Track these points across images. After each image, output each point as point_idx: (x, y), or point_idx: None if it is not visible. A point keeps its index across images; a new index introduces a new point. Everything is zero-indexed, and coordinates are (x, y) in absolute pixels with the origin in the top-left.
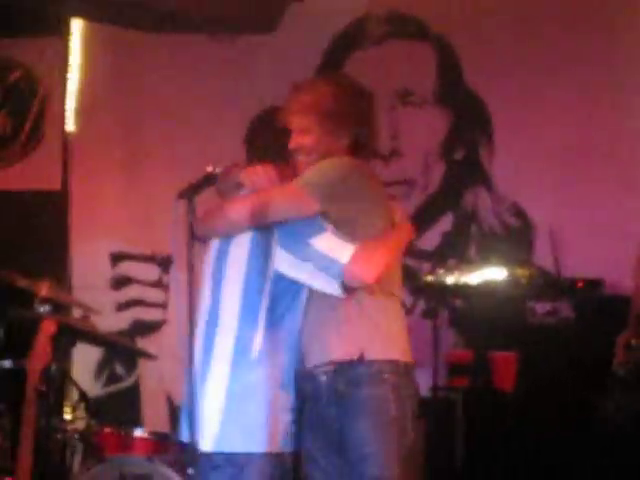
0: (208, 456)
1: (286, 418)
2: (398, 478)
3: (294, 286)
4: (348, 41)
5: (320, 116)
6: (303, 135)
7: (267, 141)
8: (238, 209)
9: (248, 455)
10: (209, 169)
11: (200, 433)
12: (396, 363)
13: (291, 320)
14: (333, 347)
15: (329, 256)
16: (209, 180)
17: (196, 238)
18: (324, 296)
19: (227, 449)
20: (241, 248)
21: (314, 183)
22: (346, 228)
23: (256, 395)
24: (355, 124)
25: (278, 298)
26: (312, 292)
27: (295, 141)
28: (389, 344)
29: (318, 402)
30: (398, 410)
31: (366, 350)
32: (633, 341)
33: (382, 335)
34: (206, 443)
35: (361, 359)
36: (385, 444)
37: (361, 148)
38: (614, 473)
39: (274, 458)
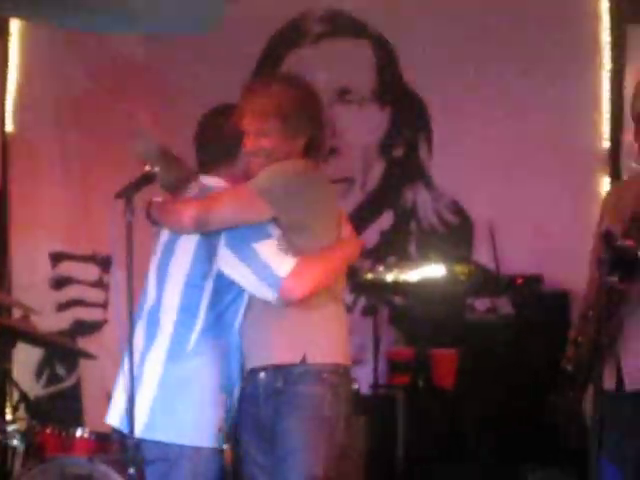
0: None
1: (218, 414)
2: (324, 477)
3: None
4: (285, 40)
5: (280, 120)
6: (261, 138)
7: (216, 140)
8: (186, 213)
9: (180, 447)
10: (147, 168)
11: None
12: (337, 365)
13: (233, 317)
14: (275, 351)
15: (268, 264)
16: (147, 179)
17: (151, 221)
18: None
19: (155, 437)
20: (186, 248)
21: (266, 188)
22: (295, 235)
23: (188, 388)
24: (311, 126)
25: (220, 294)
26: None
27: (253, 144)
28: (331, 348)
29: (256, 400)
30: (332, 410)
31: (308, 354)
32: (580, 338)
33: (325, 339)
34: (136, 430)
35: (303, 362)
36: (313, 442)
37: (315, 149)
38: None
39: (208, 453)
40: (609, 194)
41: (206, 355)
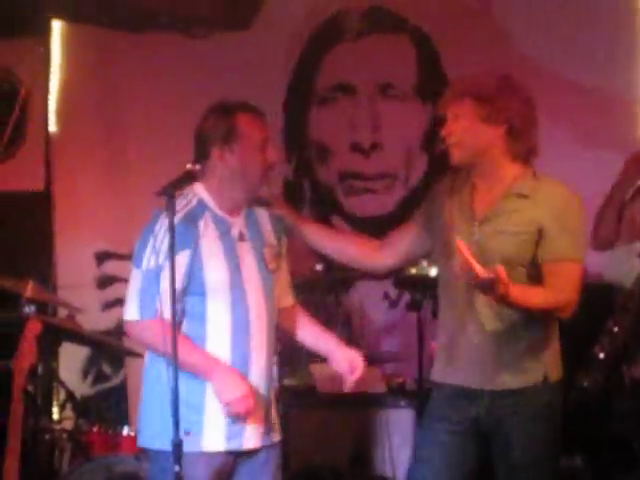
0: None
1: (188, 415)
2: None
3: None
4: (326, 37)
5: (474, 100)
6: (454, 121)
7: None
8: (571, 305)
9: (156, 453)
10: (189, 166)
11: None
12: None
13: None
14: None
15: None
16: (189, 177)
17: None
18: None
19: (144, 445)
20: None
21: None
22: None
23: (151, 388)
24: (511, 112)
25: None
26: None
27: (446, 128)
28: None
29: None
30: None
31: None
32: (616, 328)
33: None
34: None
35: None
36: None
37: (517, 139)
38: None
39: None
40: None
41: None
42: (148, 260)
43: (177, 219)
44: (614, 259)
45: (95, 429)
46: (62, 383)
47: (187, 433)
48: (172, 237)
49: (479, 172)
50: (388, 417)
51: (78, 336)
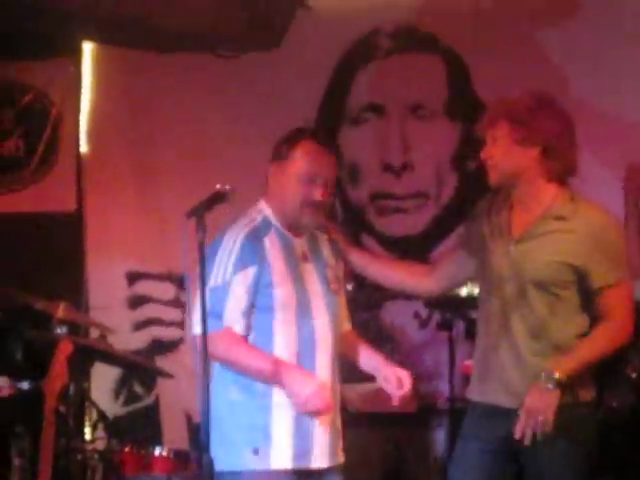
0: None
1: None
2: None
3: None
4: (357, 56)
5: (510, 123)
6: (493, 144)
7: None
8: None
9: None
10: (218, 187)
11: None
12: None
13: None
14: None
15: None
16: (218, 198)
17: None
18: None
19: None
20: None
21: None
22: None
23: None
24: (546, 133)
25: None
26: None
27: (485, 151)
28: None
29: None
30: None
31: None
32: None
33: None
34: None
35: None
36: None
37: (553, 159)
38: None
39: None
40: None
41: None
42: (215, 277)
43: (242, 235)
44: None
45: (127, 449)
46: (94, 403)
47: (255, 451)
48: (202, 258)
49: (516, 193)
50: (420, 436)
51: (110, 356)
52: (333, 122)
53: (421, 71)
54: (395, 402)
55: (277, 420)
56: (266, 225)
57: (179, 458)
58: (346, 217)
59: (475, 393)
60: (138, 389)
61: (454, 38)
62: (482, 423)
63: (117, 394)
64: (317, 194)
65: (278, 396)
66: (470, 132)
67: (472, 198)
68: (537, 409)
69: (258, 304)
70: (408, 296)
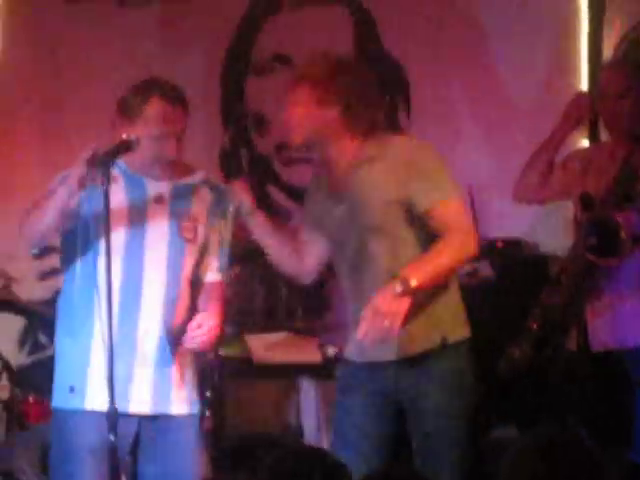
0: None
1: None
2: None
3: None
4: (263, 7)
5: (310, 84)
6: (294, 106)
7: None
8: (473, 244)
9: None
10: (124, 136)
11: None
12: None
13: None
14: None
15: None
16: (123, 147)
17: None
18: None
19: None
20: None
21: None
22: None
23: None
24: (345, 92)
25: None
26: None
27: (285, 113)
28: None
29: None
30: None
31: None
32: (548, 301)
33: None
34: None
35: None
36: None
37: (356, 118)
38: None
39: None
40: (587, 151)
41: None
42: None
43: None
44: (547, 223)
45: (31, 399)
46: None
47: (72, 390)
48: (107, 205)
49: (325, 153)
50: (323, 387)
51: (14, 306)
52: (240, 72)
53: (328, 23)
54: (185, 343)
55: (95, 360)
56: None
57: None
58: (252, 167)
59: (353, 354)
60: (43, 339)
61: None
62: (360, 377)
63: (22, 344)
64: (169, 151)
65: (98, 338)
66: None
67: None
68: (384, 311)
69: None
70: None
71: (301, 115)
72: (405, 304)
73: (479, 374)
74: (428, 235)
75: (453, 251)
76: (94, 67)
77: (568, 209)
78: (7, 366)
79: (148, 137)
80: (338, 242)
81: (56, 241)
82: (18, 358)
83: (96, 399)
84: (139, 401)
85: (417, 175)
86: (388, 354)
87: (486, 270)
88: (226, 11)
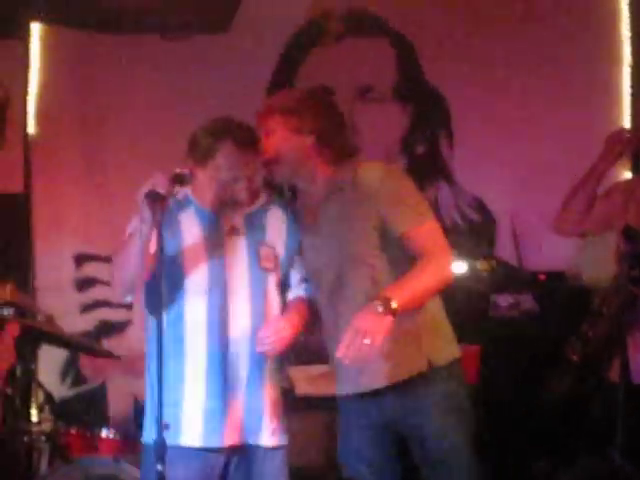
0: None
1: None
2: None
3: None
4: (306, 39)
5: (282, 114)
6: (268, 137)
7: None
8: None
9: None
10: (177, 170)
11: None
12: None
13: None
14: None
15: None
16: (177, 181)
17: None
18: None
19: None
20: None
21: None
22: None
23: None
24: (318, 120)
25: None
26: None
27: (264, 147)
28: None
29: None
30: None
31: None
32: (590, 332)
33: None
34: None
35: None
36: None
37: (329, 145)
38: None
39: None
40: (630, 183)
41: None
42: None
43: None
44: (589, 255)
45: (73, 431)
46: (41, 385)
47: (166, 427)
48: (160, 239)
49: (300, 184)
50: None
51: (57, 338)
52: None
53: (370, 54)
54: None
55: (188, 396)
56: (185, 202)
57: (125, 439)
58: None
59: (342, 389)
60: (85, 371)
61: (403, 22)
62: (358, 410)
63: (64, 376)
64: (240, 193)
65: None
66: (419, 116)
67: (420, 181)
68: (365, 329)
69: (169, 274)
70: None
71: (278, 142)
72: (387, 323)
73: (520, 408)
74: (403, 259)
75: (431, 273)
76: (135, 99)
77: (612, 240)
78: (49, 398)
79: (219, 180)
80: (316, 273)
81: (98, 272)
82: (60, 390)
83: (188, 435)
84: (231, 435)
85: (389, 200)
86: (376, 381)
87: (529, 303)
88: (268, 42)
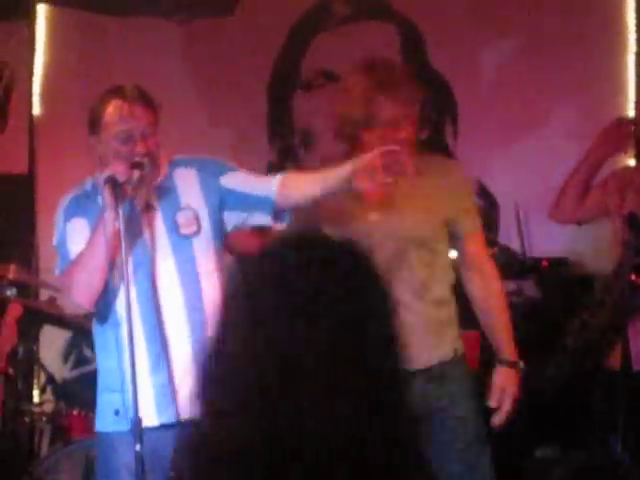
0: None
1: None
2: None
3: None
4: (312, 23)
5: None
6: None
7: None
8: None
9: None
10: (137, 158)
11: None
12: None
13: None
14: None
15: None
16: (136, 167)
17: None
18: None
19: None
20: None
21: None
22: None
23: None
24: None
25: None
26: None
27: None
28: None
29: None
30: None
31: None
32: (590, 320)
33: None
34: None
35: None
36: None
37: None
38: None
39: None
40: (627, 171)
41: None
42: (54, 238)
43: (69, 197)
44: (593, 243)
45: (75, 412)
46: (43, 366)
47: (116, 413)
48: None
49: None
50: None
51: (59, 319)
52: (287, 88)
53: (376, 39)
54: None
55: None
56: (96, 189)
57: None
58: None
59: None
60: (87, 352)
61: (409, 6)
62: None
63: (66, 357)
64: (138, 149)
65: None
66: (423, 102)
67: None
68: (508, 388)
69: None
70: None
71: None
72: (517, 375)
73: (523, 393)
74: (445, 251)
75: (504, 300)
76: (139, 81)
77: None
78: (52, 379)
79: (113, 139)
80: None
81: None
82: (62, 372)
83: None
84: (186, 407)
85: (467, 199)
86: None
87: (531, 289)
88: (273, 26)
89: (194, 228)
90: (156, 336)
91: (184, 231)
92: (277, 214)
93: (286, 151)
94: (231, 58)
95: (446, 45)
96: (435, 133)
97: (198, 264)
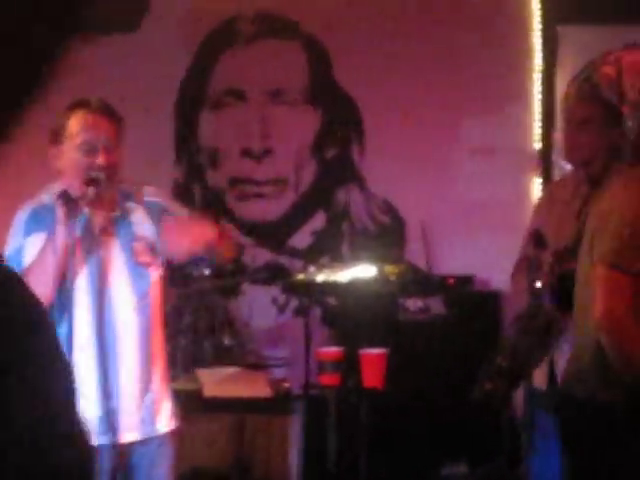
0: None
1: None
2: None
3: None
4: (218, 41)
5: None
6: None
7: None
8: None
9: None
10: (92, 174)
11: None
12: None
13: None
14: None
15: None
16: (90, 183)
17: None
18: None
19: None
20: None
21: None
22: None
23: None
24: None
25: None
26: None
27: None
28: None
29: None
30: None
31: None
32: (520, 339)
33: None
34: None
35: None
36: None
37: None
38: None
39: None
40: (542, 196)
41: None
42: (8, 247)
43: (28, 209)
44: (499, 260)
45: None
46: None
47: None
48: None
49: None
50: (274, 422)
51: None
52: (194, 106)
53: (282, 57)
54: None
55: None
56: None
57: None
58: (205, 202)
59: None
60: None
61: (315, 25)
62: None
63: None
64: (99, 161)
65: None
66: (330, 119)
67: (330, 185)
68: None
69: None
70: (266, 281)
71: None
72: None
73: (426, 412)
74: None
75: None
76: (42, 99)
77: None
78: None
79: (75, 150)
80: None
81: None
82: None
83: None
84: (129, 430)
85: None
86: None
87: (438, 306)
88: (180, 43)
89: (149, 258)
90: (107, 358)
91: (140, 259)
92: None
93: (192, 171)
94: (139, 75)
95: (352, 62)
96: (341, 152)
97: (153, 294)
